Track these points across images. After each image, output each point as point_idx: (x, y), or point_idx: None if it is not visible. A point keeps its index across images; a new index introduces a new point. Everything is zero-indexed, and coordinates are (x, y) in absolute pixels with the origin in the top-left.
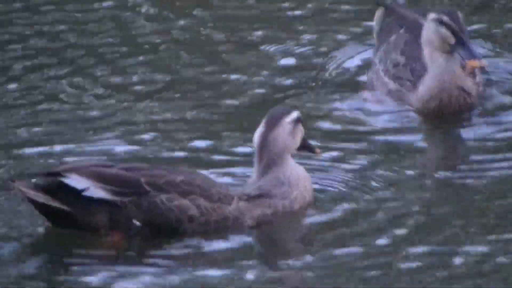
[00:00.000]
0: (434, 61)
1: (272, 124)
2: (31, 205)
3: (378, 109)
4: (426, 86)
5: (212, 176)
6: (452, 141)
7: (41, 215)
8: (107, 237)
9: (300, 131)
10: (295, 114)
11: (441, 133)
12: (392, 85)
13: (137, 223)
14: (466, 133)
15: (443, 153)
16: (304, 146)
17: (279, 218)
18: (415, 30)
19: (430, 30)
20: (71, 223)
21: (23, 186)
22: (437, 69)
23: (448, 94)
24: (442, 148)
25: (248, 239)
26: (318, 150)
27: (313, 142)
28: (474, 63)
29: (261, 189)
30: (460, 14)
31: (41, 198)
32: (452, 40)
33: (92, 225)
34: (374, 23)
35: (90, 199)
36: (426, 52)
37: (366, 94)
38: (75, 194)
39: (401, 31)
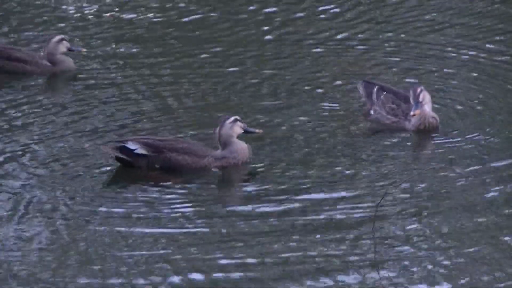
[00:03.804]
0: None
1: (221, 124)
2: (112, 158)
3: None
4: (416, 120)
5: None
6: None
7: (117, 162)
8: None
9: (238, 126)
10: (232, 118)
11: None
12: (393, 119)
13: (158, 166)
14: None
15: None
16: (246, 132)
17: (232, 167)
18: (391, 92)
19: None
20: (132, 165)
21: (108, 148)
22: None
23: (426, 121)
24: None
25: (214, 179)
26: (258, 131)
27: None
28: (417, 111)
29: (223, 154)
30: (419, 88)
31: (117, 153)
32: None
33: (140, 167)
34: (361, 92)
35: (139, 154)
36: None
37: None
38: (132, 151)
39: (384, 93)
